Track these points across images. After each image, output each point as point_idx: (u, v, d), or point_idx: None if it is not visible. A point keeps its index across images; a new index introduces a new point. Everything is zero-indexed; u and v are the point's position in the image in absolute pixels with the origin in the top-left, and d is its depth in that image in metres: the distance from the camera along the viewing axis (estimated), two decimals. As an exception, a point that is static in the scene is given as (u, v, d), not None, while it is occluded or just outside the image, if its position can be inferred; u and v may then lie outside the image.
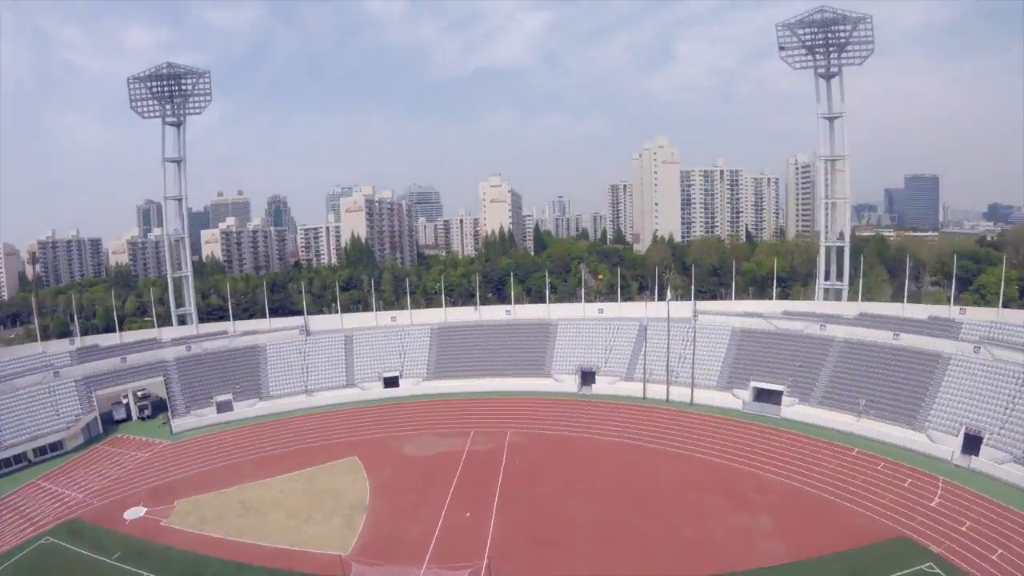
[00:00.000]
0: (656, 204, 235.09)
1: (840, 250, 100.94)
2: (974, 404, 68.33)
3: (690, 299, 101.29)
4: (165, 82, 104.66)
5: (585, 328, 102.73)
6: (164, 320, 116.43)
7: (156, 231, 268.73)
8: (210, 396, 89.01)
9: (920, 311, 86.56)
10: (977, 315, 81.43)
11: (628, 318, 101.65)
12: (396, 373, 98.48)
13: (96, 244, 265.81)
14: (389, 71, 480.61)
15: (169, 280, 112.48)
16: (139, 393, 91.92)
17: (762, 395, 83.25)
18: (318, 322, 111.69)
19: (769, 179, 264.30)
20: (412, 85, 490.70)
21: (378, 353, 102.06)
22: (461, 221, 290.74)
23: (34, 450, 75.15)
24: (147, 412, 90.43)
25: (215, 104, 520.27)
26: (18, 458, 73.62)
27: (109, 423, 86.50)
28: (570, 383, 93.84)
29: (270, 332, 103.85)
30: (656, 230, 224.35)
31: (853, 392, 77.07)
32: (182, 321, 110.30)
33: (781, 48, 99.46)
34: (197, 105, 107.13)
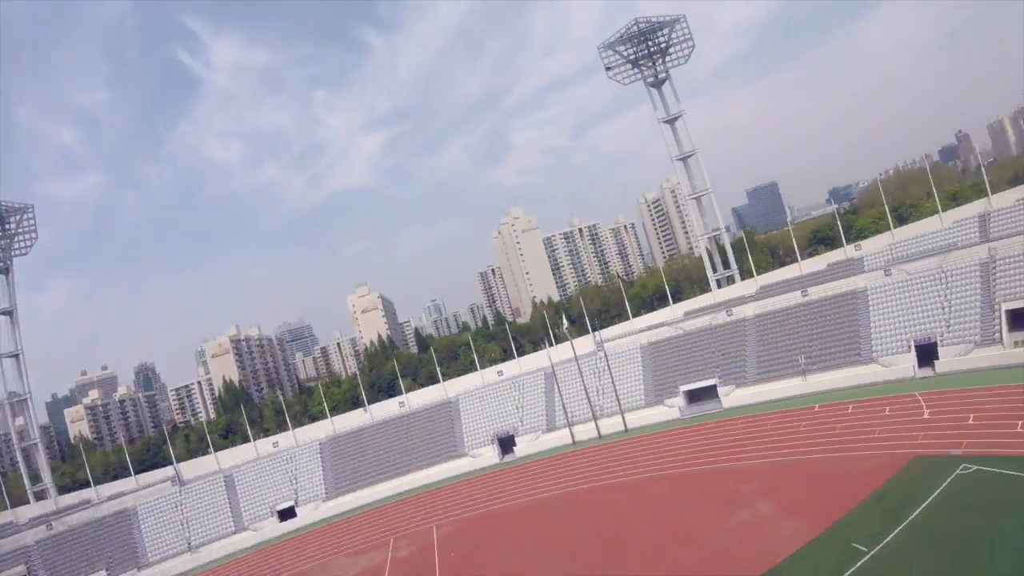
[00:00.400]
0: (527, 273, 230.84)
1: (718, 239, 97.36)
2: (910, 318, 64.82)
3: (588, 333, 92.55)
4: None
5: (489, 395, 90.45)
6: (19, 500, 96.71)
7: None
8: None
9: (817, 263, 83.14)
10: (873, 245, 79.63)
11: (531, 370, 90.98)
12: (290, 502, 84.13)
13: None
14: (241, 215, 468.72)
15: (17, 452, 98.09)
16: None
17: (696, 395, 74.94)
18: (191, 468, 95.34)
19: (625, 225, 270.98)
20: (266, 225, 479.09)
21: (266, 486, 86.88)
22: (338, 344, 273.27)
23: None
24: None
25: (70, 283, 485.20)
26: None
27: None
28: (490, 455, 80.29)
29: (139, 491, 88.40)
30: (534, 297, 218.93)
31: (786, 358, 70.56)
32: (40, 497, 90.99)
33: (608, 68, 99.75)
34: (23, 245, 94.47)
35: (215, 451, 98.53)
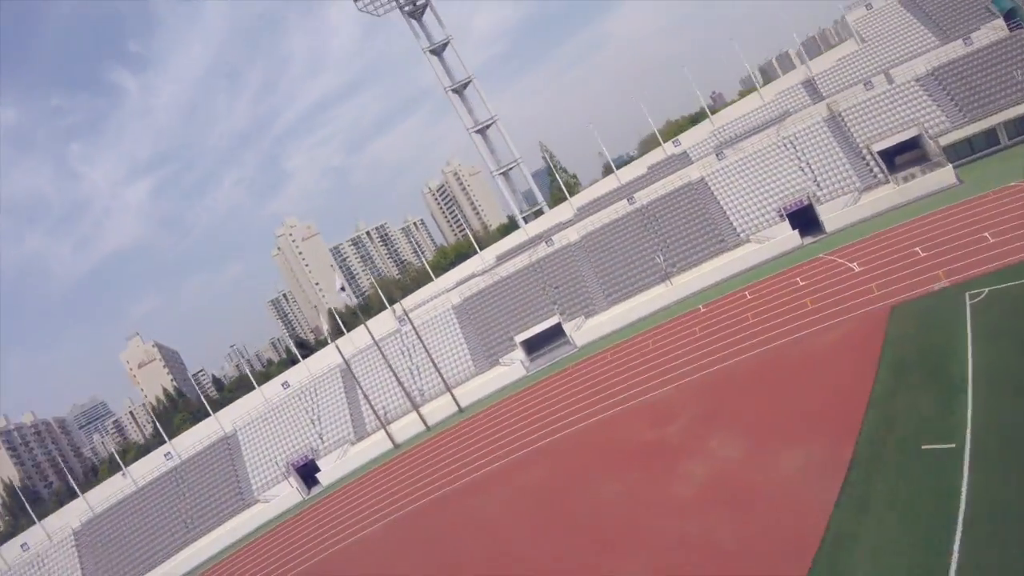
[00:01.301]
0: (317, 284, 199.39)
1: (514, 171, 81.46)
2: (769, 191, 53.31)
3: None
4: None
5: (275, 415, 64.44)
6: None
7: None
8: None
9: (636, 169, 69.67)
10: (694, 136, 68.50)
11: (323, 372, 66.70)
12: None
13: None
14: (5, 296, 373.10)
15: None
16: None
17: (538, 343, 57.09)
18: None
19: (416, 222, 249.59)
20: (37, 303, 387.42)
21: None
22: (131, 412, 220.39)
23: None
24: None
25: None
26: None
27: None
28: (289, 494, 54.73)
29: None
30: (329, 307, 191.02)
31: (634, 271, 55.55)
32: None
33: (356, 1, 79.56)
34: None
35: None
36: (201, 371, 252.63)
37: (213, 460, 63.49)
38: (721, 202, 54.86)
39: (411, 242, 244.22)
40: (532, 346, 56.90)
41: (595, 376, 41.87)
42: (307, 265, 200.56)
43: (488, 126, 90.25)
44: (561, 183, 73.40)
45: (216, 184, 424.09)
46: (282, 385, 68.90)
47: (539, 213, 79.84)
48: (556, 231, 65.30)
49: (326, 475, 54.96)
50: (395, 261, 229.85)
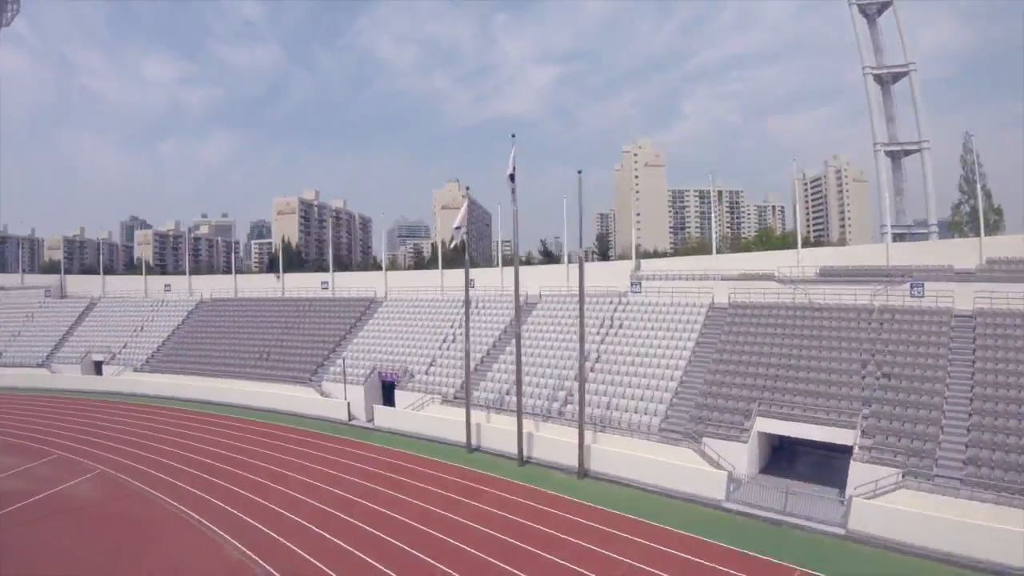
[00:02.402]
0: (637, 216, 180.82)
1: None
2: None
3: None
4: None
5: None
6: None
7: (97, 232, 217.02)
8: None
9: None
10: None
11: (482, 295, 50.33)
12: (105, 356, 56.30)
13: (35, 242, 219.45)
14: (402, 117, 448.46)
15: None
16: None
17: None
18: (81, 284, 75.76)
19: (774, 207, 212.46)
20: (425, 131, 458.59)
21: (110, 328, 61.26)
22: (432, 244, 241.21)
23: None
24: None
25: (230, 139, 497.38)
26: None
27: None
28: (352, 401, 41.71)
29: (9, 290, 72.82)
30: (638, 245, 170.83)
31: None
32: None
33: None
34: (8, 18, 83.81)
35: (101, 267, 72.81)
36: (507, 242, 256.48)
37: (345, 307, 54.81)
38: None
39: (760, 222, 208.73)
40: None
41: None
42: (637, 192, 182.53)
43: (909, 152, 71.00)
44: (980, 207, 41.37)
45: (614, 95, 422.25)
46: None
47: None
48: (934, 278, 35.62)
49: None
50: (732, 229, 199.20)
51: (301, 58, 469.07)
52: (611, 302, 40.66)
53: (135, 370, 53.65)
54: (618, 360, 35.23)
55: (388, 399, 41.29)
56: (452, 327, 45.30)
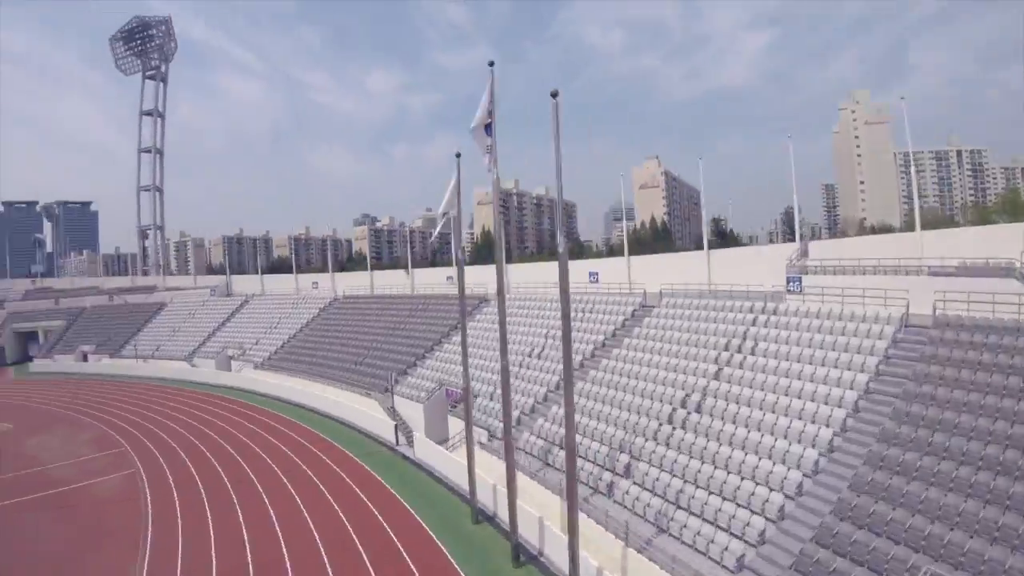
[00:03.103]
0: (861, 183, 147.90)
1: None
2: None
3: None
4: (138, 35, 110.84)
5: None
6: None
7: (322, 230, 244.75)
8: (75, 346, 68.46)
9: None
10: None
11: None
12: (238, 352, 56.89)
13: (268, 241, 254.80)
14: (616, 100, 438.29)
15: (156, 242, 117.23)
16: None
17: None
18: (245, 283, 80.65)
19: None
20: (640, 112, 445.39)
21: (250, 326, 62.63)
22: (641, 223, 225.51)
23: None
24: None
25: (449, 139, 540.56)
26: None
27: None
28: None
29: (184, 290, 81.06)
30: (863, 220, 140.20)
31: None
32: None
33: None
34: (169, 53, 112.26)
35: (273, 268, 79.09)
36: (721, 218, 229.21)
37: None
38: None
39: (1007, 181, 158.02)
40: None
41: None
42: (859, 155, 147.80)
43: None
44: None
45: (835, 55, 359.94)
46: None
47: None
48: None
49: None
50: (975, 194, 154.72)
51: (509, 54, 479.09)
52: (751, 309, 26.22)
53: (255, 367, 52.37)
54: (728, 415, 21.05)
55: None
56: (547, 334, 34.85)
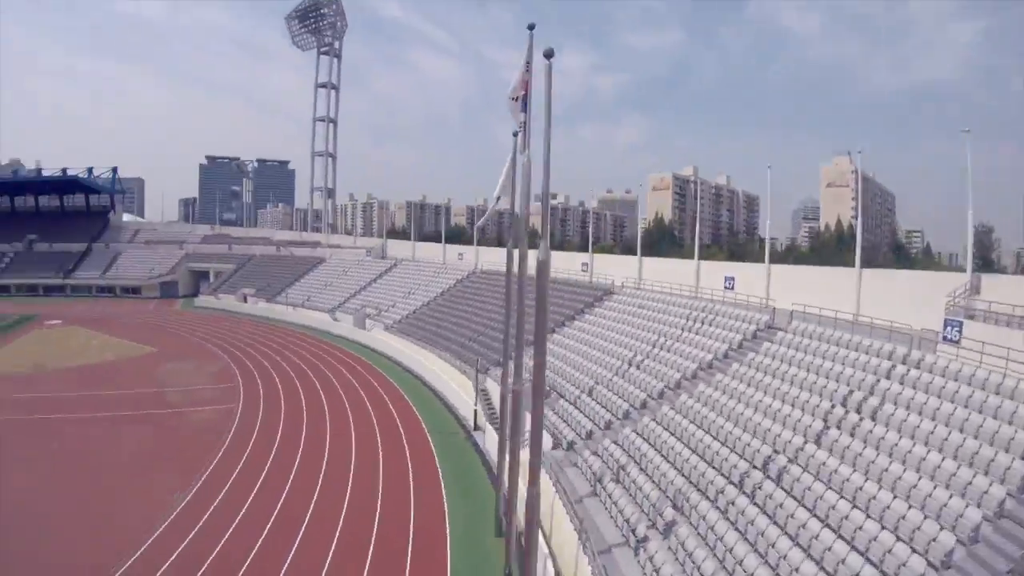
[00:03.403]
0: None
1: None
2: None
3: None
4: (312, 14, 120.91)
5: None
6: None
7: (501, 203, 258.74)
8: (239, 288, 77.08)
9: None
10: None
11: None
12: (374, 312, 59.92)
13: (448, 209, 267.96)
14: (813, 87, 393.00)
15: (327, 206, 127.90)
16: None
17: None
18: (399, 248, 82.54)
19: None
20: (832, 105, 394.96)
21: (392, 288, 65.42)
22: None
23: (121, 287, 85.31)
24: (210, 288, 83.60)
25: (640, 121, 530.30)
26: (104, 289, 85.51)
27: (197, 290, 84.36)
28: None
29: (344, 248, 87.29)
30: None
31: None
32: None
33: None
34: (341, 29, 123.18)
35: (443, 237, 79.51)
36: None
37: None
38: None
39: None
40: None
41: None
42: None
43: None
44: None
45: None
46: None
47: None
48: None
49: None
50: None
51: (703, 37, 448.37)
52: (890, 355, 19.51)
53: (384, 328, 54.14)
54: (808, 495, 15.46)
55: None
56: (655, 341, 30.81)
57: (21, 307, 67.26)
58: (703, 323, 29.85)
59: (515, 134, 16.60)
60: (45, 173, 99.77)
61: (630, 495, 19.10)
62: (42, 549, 18.20)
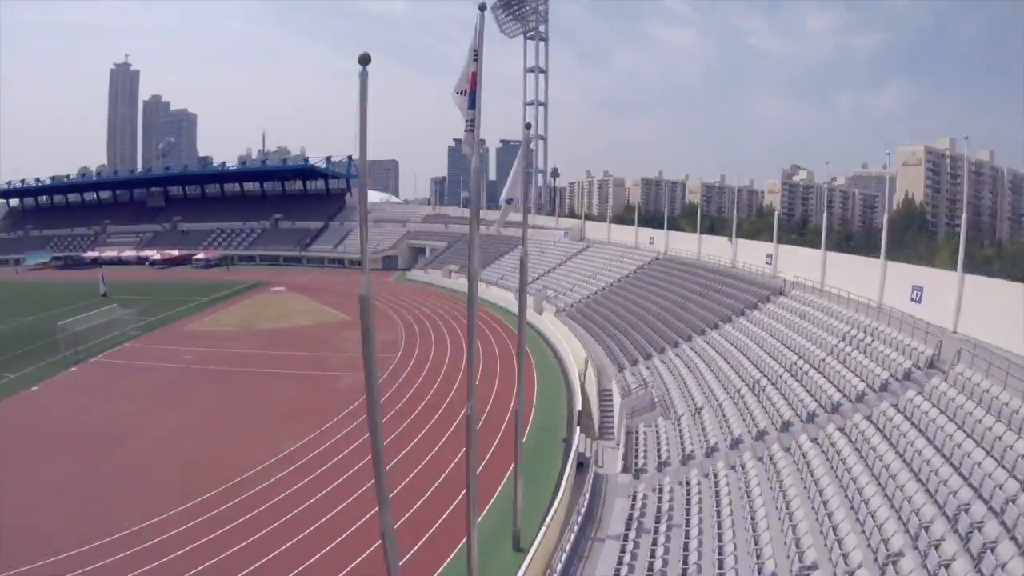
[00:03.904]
0: None
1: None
2: None
3: None
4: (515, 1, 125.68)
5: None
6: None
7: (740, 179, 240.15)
8: (446, 264, 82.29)
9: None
10: None
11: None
12: (552, 295, 60.93)
13: (683, 187, 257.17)
14: None
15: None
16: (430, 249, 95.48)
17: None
18: (594, 229, 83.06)
19: None
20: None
21: (580, 270, 65.47)
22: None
23: (348, 260, 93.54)
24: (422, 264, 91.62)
25: (902, 85, 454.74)
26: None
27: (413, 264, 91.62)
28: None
29: (545, 229, 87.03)
30: None
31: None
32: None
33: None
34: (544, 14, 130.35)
35: (637, 221, 75.31)
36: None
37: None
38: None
39: None
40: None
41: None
42: None
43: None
44: None
45: None
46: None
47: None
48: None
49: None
50: None
51: None
52: None
53: (555, 312, 54.06)
54: None
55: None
56: (793, 363, 26.03)
57: (259, 274, 79.62)
58: (865, 343, 24.01)
59: (527, 126, 15.09)
60: (311, 161, 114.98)
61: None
62: (146, 473, 22.44)
